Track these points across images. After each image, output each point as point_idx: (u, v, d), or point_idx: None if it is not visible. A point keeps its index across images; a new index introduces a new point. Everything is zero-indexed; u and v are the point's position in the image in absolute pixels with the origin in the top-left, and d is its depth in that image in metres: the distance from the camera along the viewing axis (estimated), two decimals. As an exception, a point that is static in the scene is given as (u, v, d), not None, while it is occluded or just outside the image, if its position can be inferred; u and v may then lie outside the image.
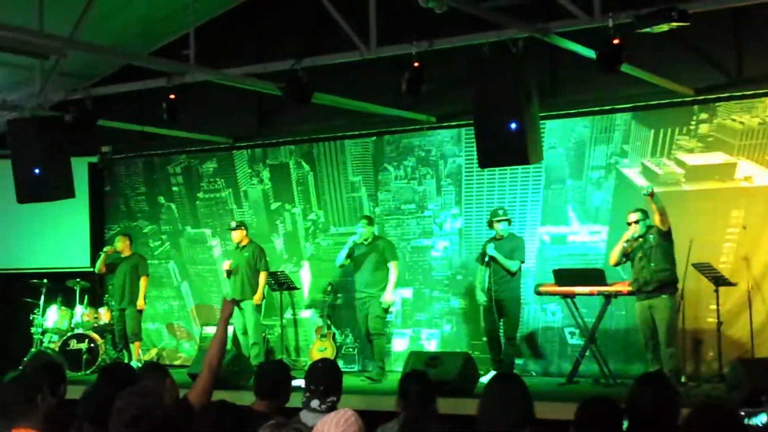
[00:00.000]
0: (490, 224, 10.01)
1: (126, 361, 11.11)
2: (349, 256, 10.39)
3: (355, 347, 11.08)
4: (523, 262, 9.89)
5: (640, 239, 9.03)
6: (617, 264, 9.31)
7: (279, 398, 5.27)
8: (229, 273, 11.17)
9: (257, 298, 11.02)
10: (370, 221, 10.50)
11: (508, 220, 9.99)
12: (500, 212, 10.02)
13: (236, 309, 11.00)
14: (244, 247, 11.15)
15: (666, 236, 8.91)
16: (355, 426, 4.48)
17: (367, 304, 10.18)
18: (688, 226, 9.51)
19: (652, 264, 8.90)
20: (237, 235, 11.18)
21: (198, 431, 3.89)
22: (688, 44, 9.60)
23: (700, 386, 8.94)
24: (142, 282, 11.88)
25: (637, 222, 9.03)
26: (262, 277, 11.09)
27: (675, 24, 7.29)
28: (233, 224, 11.34)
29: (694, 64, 9.71)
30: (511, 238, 9.94)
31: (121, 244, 11.97)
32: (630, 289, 9.18)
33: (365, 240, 10.30)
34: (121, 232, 12.53)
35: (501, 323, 9.77)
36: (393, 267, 10.27)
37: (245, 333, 11.03)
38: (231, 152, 12.74)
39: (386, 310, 10.33)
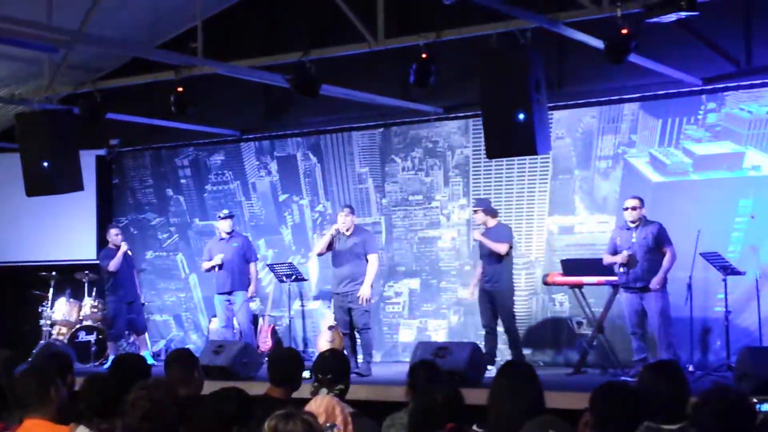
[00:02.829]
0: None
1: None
2: (330, 246, 10.16)
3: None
4: (511, 246, 9.74)
5: (632, 231, 9.03)
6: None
7: (292, 384, 5.39)
8: (219, 267, 11.04)
9: (252, 290, 11.04)
10: (352, 210, 10.29)
11: (485, 210, 9.80)
12: (473, 203, 10.04)
13: (222, 302, 11.05)
14: (232, 237, 11.13)
15: (660, 242, 8.96)
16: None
17: (348, 299, 9.96)
18: (696, 215, 9.52)
19: (645, 264, 8.94)
20: (227, 225, 11.13)
21: (200, 417, 3.93)
22: (697, 34, 9.59)
23: (708, 375, 8.95)
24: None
25: (635, 209, 9.03)
26: (253, 268, 11.11)
27: (684, 13, 7.28)
28: (224, 213, 11.27)
29: (702, 53, 9.69)
30: (498, 226, 9.86)
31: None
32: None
33: (347, 230, 10.08)
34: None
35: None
36: (372, 260, 10.05)
37: (226, 326, 11.00)
38: (238, 144, 12.76)
39: (369, 302, 10.08)
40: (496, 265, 9.64)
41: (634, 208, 9.05)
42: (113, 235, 11.75)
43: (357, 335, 10.09)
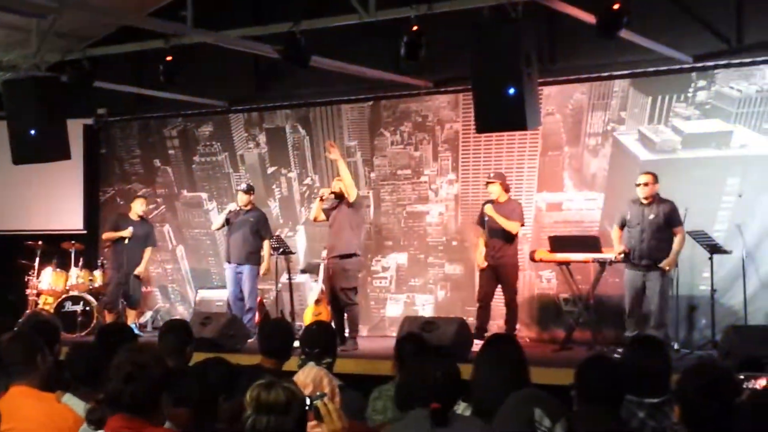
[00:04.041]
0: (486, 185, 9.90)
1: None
2: (326, 212, 9.99)
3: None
4: (522, 225, 9.74)
5: (644, 207, 8.99)
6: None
7: (283, 355, 5.42)
8: (228, 221, 10.96)
9: (264, 267, 10.92)
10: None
11: (502, 184, 9.77)
12: (491, 174, 9.97)
13: (232, 274, 11.00)
14: (248, 211, 11.01)
15: (671, 222, 8.93)
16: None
17: (329, 273, 9.86)
18: (684, 193, 9.49)
19: (653, 242, 8.90)
20: (246, 199, 11.00)
21: (186, 387, 3.96)
22: (688, 11, 9.57)
23: (692, 353, 8.99)
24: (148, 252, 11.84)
25: (647, 185, 8.96)
26: (267, 245, 10.96)
27: (676, -10, 7.26)
28: (245, 186, 11.15)
29: (693, 31, 9.66)
30: (509, 202, 9.84)
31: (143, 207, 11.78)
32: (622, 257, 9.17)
33: (335, 194, 9.91)
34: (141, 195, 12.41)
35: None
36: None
37: (241, 299, 10.96)
38: (227, 115, 12.69)
39: (353, 277, 9.96)
40: (503, 239, 9.59)
41: (646, 184, 8.94)
42: (139, 205, 11.68)
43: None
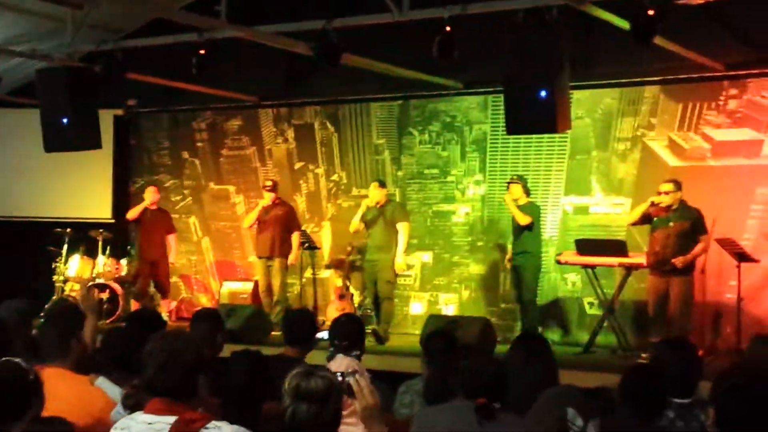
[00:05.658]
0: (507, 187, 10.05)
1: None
2: (362, 219, 10.34)
3: (372, 309, 11.13)
4: (531, 221, 9.77)
5: (669, 213, 9.00)
6: (634, 224, 9.38)
7: (306, 344, 5.46)
8: (260, 222, 11.09)
9: (292, 257, 11.01)
10: (381, 184, 10.43)
11: (523, 186, 9.91)
12: (514, 176, 10.11)
13: (262, 266, 11.08)
14: (276, 205, 11.11)
15: (697, 229, 8.92)
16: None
17: (376, 268, 10.16)
18: (713, 201, 9.48)
19: (677, 248, 8.87)
20: (272, 195, 11.09)
21: (231, 378, 4.01)
22: (721, 19, 9.52)
23: (717, 360, 8.95)
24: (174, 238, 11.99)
25: (668, 193, 8.97)
26: (296, 236, 11.06)
27: (711, -5, 7.25)
28: (269, 183, 11.25)
29: (725, 38, 9.62)
30: (528, 204, 9.92)
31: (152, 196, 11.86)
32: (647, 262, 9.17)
33: (377, 203, 10.24)
34: (150, 183, 12.50)
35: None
36: (402, 228, 10.21)
37: (268, 290, 11.04)
38: (256, 110, 12.75)
39: (396, 275, 10.29)
40: (520, 239, 9.80)
41: (667, 193, 8.95)
42: (149, 194, 11.82)
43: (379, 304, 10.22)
